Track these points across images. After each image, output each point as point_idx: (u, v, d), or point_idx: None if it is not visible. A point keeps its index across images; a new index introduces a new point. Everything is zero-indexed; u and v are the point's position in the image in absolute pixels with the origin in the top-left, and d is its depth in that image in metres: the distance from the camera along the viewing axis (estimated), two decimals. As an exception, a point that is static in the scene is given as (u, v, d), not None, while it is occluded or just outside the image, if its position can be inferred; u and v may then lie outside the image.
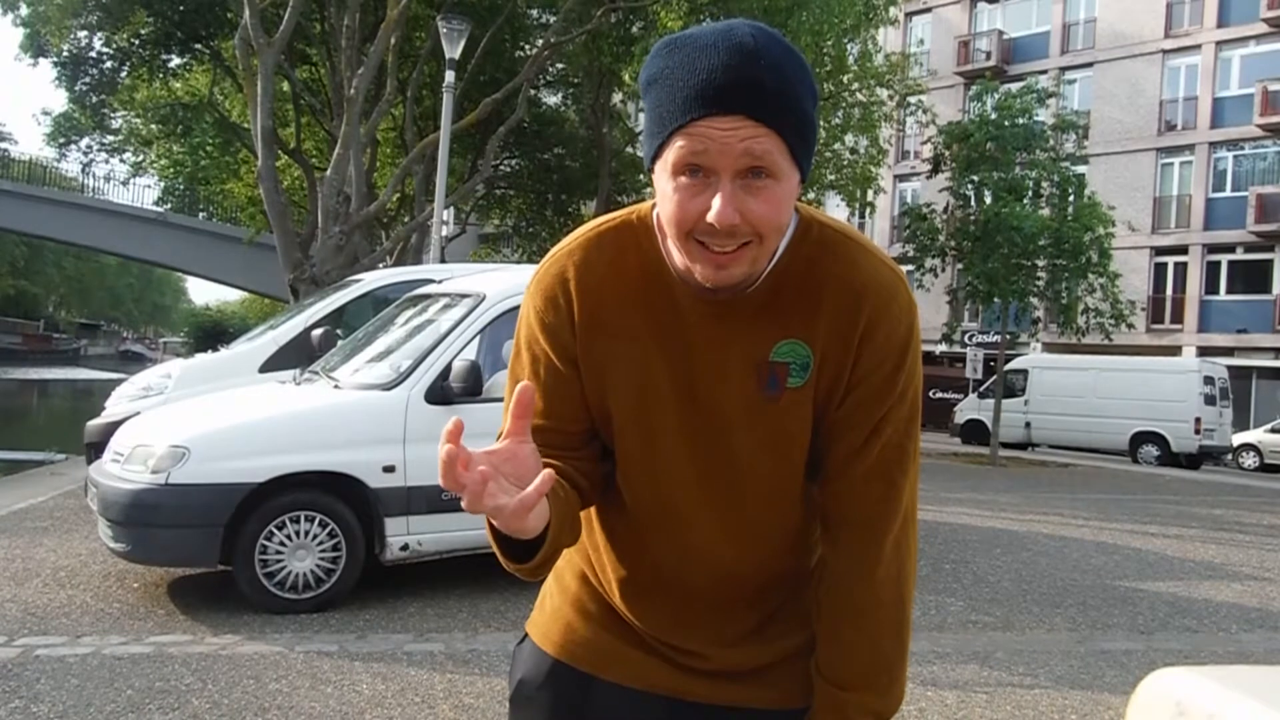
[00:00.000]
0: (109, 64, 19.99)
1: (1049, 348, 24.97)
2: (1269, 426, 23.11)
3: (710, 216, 0.99)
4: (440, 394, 4.98)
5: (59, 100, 38.12)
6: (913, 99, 21.49)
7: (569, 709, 1.24)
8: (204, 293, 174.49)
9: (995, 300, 16.95)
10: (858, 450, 1.12)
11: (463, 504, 0.92)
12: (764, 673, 1.22)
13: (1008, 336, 18.55)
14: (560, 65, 20.89)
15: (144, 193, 36.19)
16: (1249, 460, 22.36)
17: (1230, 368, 21.89)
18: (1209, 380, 19.77)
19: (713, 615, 1.20)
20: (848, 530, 1.15)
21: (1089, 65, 29.00)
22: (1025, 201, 16.72)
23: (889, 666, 1.16)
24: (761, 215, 1.00)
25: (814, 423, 1.13)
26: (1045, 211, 17.04)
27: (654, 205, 1.14)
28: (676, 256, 1.09)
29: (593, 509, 1.24)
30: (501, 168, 22.66)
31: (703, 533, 1.17)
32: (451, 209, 21.15)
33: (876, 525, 1.14)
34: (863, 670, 1.15)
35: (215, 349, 8.59)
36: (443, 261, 13.30)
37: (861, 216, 28.98)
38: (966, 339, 24.63)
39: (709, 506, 1.16)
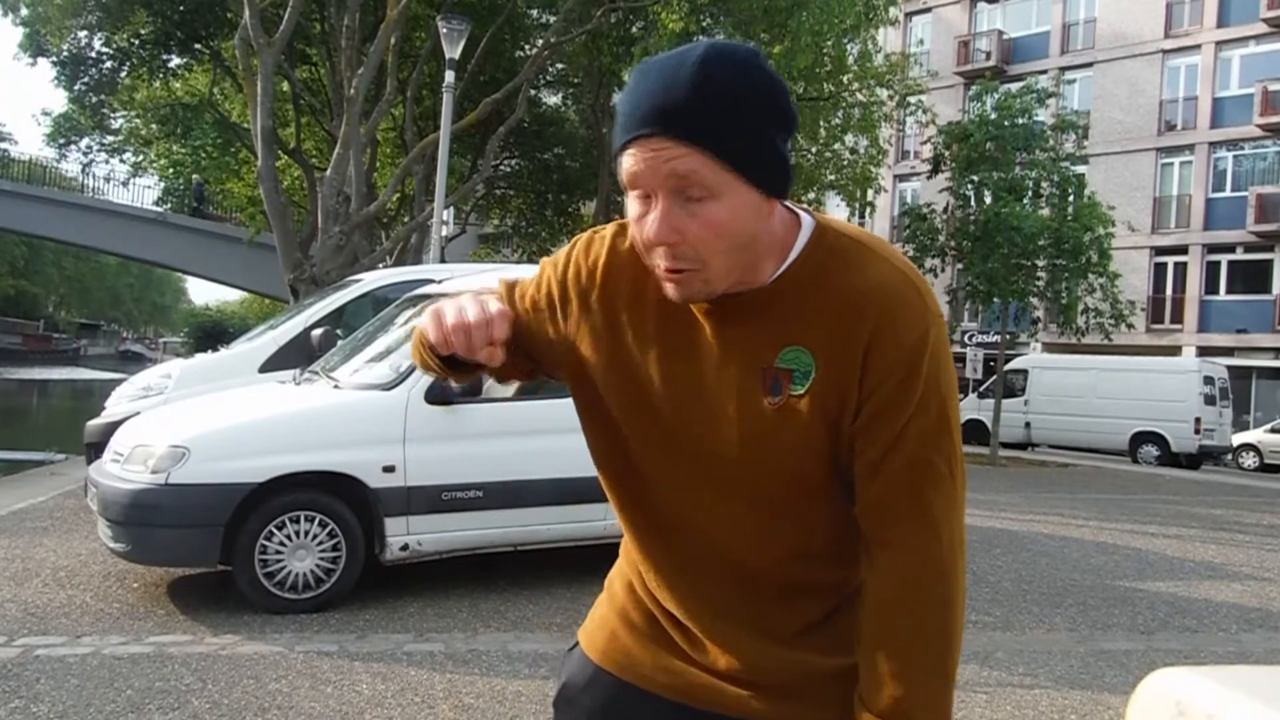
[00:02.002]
0: (109, 64, 19.99)
1: (1049, 348, 24.97)
2: (1269, 426, 23.11)
3: (644, 235, 1.04)
4: (440, 394, 4.98)
5: (59, 100, 38.12)
6: (913, 99, 21.47)
7: (607, 716, 1.25)
8: (204, 293, 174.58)
9: (995, 300, 16.95)
10: (877, 465, 1.09)
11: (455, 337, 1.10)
12: (805, 690, 1.19)
13: (1008, 336, 18.55)
14: (560, 65, 20.90)
15: (144, 193, 36.22)
16: (1249, 460, 22.36)
17: (1230, 368, 21.88)
18: (1209, 380, 19.76)
19: (745, 610, 1.19)
20: (882, 551, 1.11)
21: (1089, 65, 29.01)
22: (1025, 201, 16.72)
23: (929, 697, 1.10)
24: (699, 237, 1.02)
25: (830, 434, 1.11)
26: (1045, 211, 17.04)
27: None
28: None
29: (617, 507, 1.25)
30: (501, 168, 22.66)
31: (718, 531, 1.16)
32: (451, 209, 21.15)
33: (910, 546, 1.09)
34: (899, 699, 1.09)
35: (215, 349, 8.59)
36: (443, 261, 13.30)
37: (861, 216, 28.96)
38: (966, 339, 24.62)
39: (722, 505, 1.15)
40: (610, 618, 1.30)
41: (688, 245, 1.02)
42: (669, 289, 1.08)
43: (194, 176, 25.95)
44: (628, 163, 1.03)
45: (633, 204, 1.06)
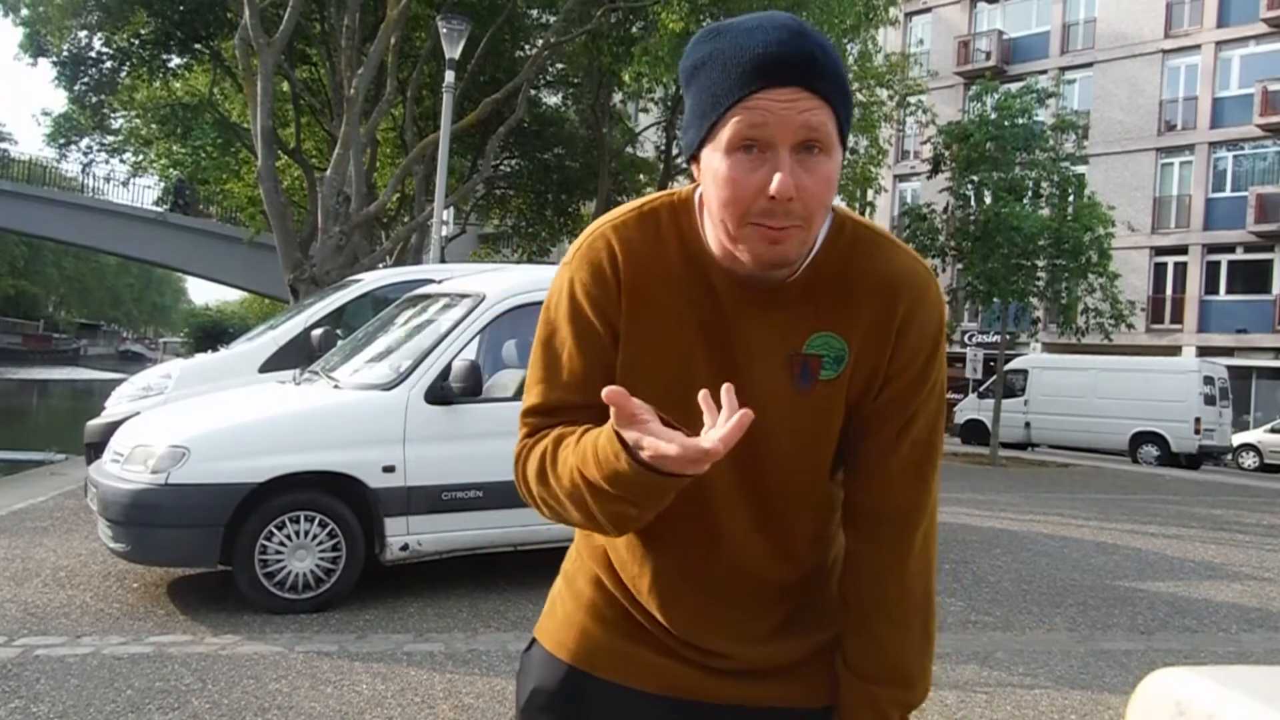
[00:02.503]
0: (109, 64, 19.98)
1: (1049, 348, 24.98)
2: (1269, 426, 23.11)
3: (772, 188, 0.99)
4: (440, 394, 4.99)
5: (59, 100, 38.12)
6: (912, 99, 21.49)
7: (586, 717, 1.21)
8: (204, 293, 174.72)
9: (995, 300, 16.94)
10: (891, 444, 1.13)
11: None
12: (789, 670, 1.21)
13: (1008, 336, 18.55)
14: (560, 65, 20.88)
15: (144, 193, 36.22)
16: (1249, 460, 22.36)
17: (1230, 368, 21.88)
18: (1209, 380, 19.76)
19: (737, 610, 1.19)
20: (880, 523, 1.15)
21: (1089, 65, 29.02)
22: (1025, 201, 16.71)
23: (919, 658, 1.18)
24: (814, 192, 1.01)
25: (846, 416, 1.14)
26: (1045, 211, 17.03)
27: (694, 188, 1.15)
28: (714, 242, 1.10)
29: None
30: (501, 168, 22.65)
31: (730, 522, 1.16)
32: (451, 209, 21.15)
33: (909, 519, 1.15)
34: (895, 663, 1.16)
35: (215, 349, 8.59)
36: (443, 261, 13.30)
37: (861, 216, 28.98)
38: (966, 339, 24.65)
39: (737, 495, 1.15)
40: (578, 614, 1.25)
41: (799, 201, 1.01)
42: (759, 249, 1.03)
43: (174, 173, 25.87)
44: (748, 115, 1.00)
45: (734, 162, 1.01)
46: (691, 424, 1.12)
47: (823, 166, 1.02)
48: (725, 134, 1.01)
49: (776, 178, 0.99)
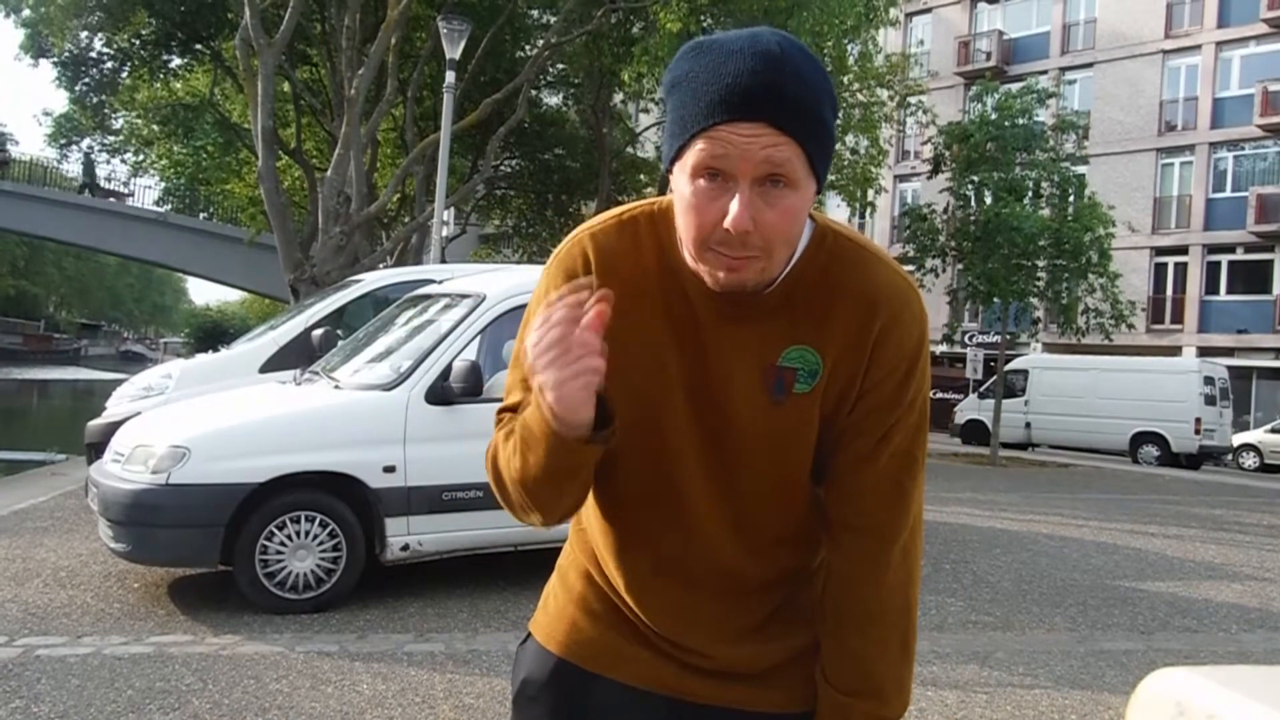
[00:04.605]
0: (110, 64, 20.01)
1: (1049, 348, 24.97)
2: (1269, 426, 23.10)
3: (726, 221, 1.00)
4: (440, 394, 4.99)
5: (59, 101, 38.18)
6: (913, 99, 21.48)
7: (572, 709, 1.23)
8: (204, 293, 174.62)
9: (995, 300, 16.95)
10: (867, 457, 1.13)
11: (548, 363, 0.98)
12: (768, 675, 1.22)
13: (1008, 337, 18.55)
14: (560, 66, 20.88)
15: (144, 193, 36.25)
16: (1249, 460, 22.35)
17: (1230, 368, 21.88)
18: (1209, 380, 19.76)
19: (714, 608, 1.20)
20: (856, 536, 1.15)
21: (1089, 65, 29.02)
22: (1025, 202, 16.72)
23: (896, 673, 1.17)
24: (774, 226, 1.01)
25: (821, 428, 1.14)
26: (1045, 212, 17.04)
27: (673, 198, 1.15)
28: (689, 258, 1.10)
29: (594, 501, 1.24)
30: (502, 168, 22.65)
31: (704, 524, 1.17)
32: (452, 209, 21.14)
33: (885, 532, 1.14)
34: (869, 677, 1.15)
35: (215, 349, 8.59)
36: (443, 262, 13.30)
37: (861, 216, 28.98)
38: (966, 339, 24.58)
39: (711, 499, 1.16)
40: (569, 608, 1.27)
41: (758, 234, 1.01)
42: (717, 274, 1.05)
43: (85, 149, 25.61)
44: (710, 145, 1.00)
45: (696, 188, 1.02)
46: (662, 431, 1.15)
47: (785, 200, 1.01)
48: (690, 159, 1.02)
49: (732, 211, 1.00)
